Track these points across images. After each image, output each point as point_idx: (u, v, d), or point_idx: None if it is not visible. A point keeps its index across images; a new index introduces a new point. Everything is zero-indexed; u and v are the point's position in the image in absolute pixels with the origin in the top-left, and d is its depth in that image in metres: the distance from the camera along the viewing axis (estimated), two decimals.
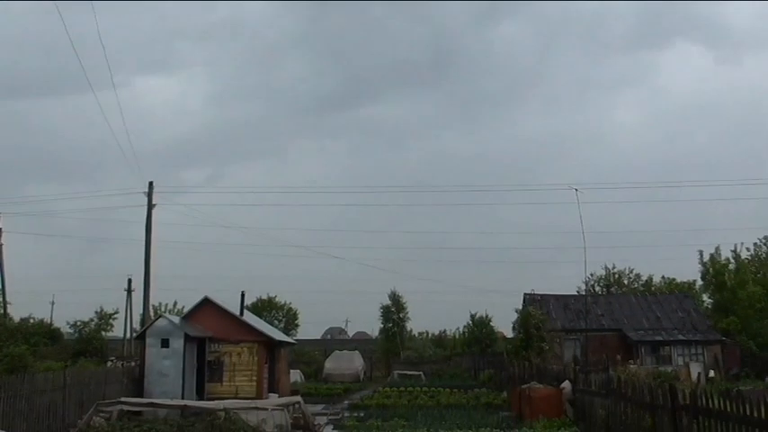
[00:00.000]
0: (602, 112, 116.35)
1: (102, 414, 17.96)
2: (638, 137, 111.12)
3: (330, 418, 20.97)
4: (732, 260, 50.48)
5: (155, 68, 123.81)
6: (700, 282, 53.30)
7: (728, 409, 10.07)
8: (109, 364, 34.79)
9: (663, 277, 59.78)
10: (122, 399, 18.99)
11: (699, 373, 33.34)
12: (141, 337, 23.37)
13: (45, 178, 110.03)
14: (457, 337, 58.95)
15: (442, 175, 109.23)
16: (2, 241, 47.79)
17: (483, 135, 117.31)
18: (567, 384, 19.33)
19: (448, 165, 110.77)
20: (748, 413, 9.47)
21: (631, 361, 37.39)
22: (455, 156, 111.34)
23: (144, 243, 35.80)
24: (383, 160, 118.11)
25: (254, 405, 18.31)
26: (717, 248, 50.32)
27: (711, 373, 37.00)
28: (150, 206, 36.14)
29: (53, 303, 61.16)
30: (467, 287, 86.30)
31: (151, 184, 36.41)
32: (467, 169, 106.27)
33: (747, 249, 51.08)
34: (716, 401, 10.53)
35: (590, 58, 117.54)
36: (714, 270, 49.38)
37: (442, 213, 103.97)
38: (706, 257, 50.41)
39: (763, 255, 51.14)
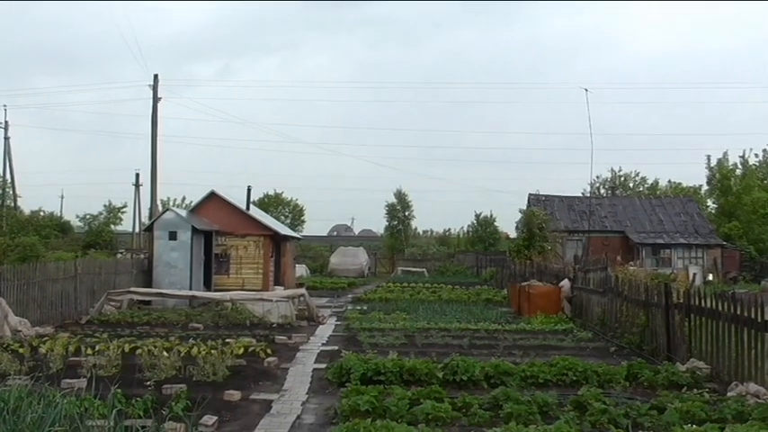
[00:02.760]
0: (622, 13, 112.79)
1: (112, 302, 18.56)
2: (658, 39, 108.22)
3: (334, 310, 21.59)
4: (740, 165, 50.29)
5: None
6: (705, 187, 53.38)
7: (720, 308, 10.35)
8: (119, 256, 35.47)
9: (669, 181, 59.95)
10: (132, 288, 19.52)
11: (694, 275, 33.87)
12: (149, 229, 23.72)
13: (52, 71, 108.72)
14: (461, 236, 59.74)
15: (454, 74, 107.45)
16: (9, 135, 47.73)
17: (498, 34, 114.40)
18: (565, 282, 19.75)
19: (461, 63, 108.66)
20: (738, 312, 9.75)
21: (632, 262, 37.91)
22: (468, 54, 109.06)
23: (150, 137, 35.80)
24: (396, 56, 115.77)
25: (259, 296, 18.84)
26: (725, 153, 50.13)
27: (710, 276, 37.60)
28: (156, 100, 35.85)
29: (62, 197, 62.22)
30: (473, 187, 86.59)
31: (156, 77, 35.97)
32: (479, 68, 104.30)
33: (756, 155, 50.85)
34: (708, 301, 10.81)
35: None
36: (720, 175, 49.28)
37: (451, 113, 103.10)
38: (714, 163, 50.28)
39: None
